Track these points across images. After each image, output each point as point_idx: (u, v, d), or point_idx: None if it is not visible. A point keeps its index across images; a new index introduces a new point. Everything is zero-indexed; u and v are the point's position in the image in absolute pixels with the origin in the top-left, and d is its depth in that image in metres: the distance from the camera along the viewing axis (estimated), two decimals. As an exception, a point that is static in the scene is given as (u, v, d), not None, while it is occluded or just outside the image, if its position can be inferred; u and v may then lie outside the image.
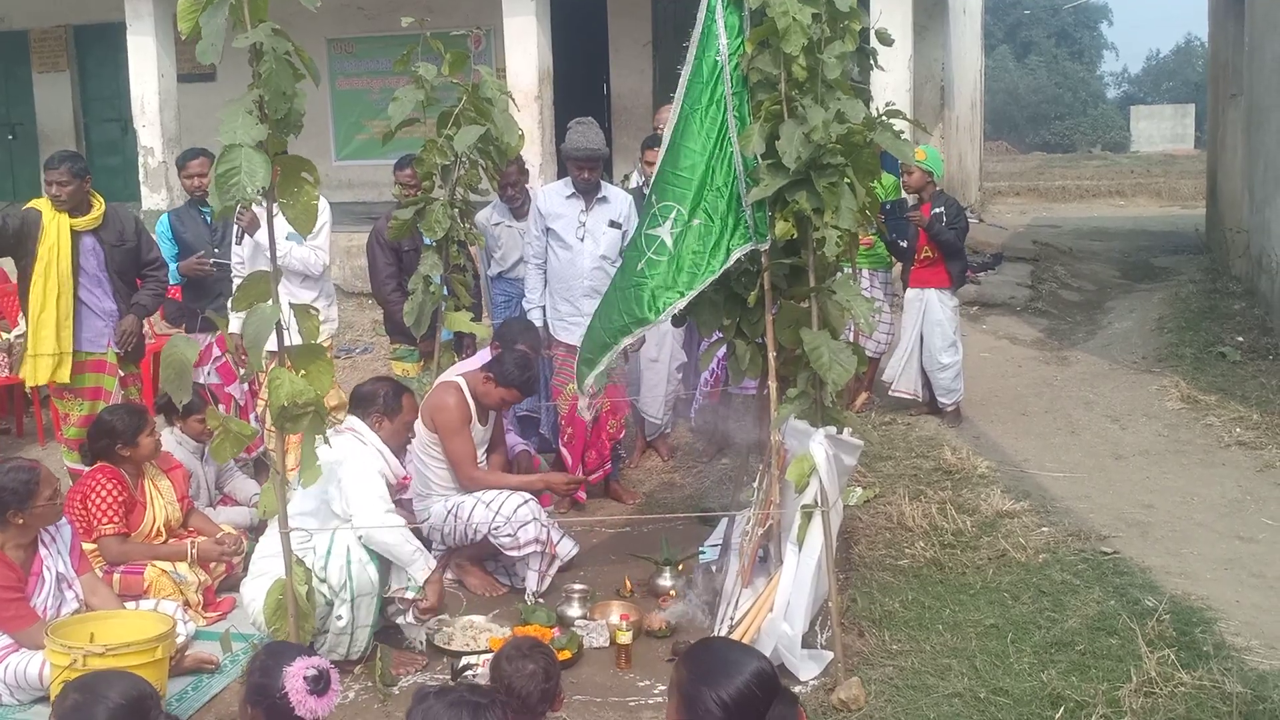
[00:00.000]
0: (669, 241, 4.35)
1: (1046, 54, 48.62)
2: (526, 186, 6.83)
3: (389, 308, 6.58)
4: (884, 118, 4.41)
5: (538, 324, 6.21)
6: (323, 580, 4.34)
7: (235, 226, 6.08)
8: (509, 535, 5.10)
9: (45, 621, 4.19)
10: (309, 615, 4.10)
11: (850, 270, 4.69)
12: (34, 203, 5.83)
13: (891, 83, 9.65)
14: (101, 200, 5.90)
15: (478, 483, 5.26)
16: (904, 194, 7.54)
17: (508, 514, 5.13)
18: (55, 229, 5.70)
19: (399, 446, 4.89)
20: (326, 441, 4.16)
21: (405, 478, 5.06)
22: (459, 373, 5.70)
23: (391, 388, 4.90)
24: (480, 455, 5.41)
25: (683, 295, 4.35)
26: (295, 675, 2.87)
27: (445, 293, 5.98)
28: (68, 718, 2.74)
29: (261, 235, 5.59)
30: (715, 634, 4.58)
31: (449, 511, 5.22)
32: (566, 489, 5.76)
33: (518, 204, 6.71)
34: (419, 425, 5.19)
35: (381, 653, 4.37)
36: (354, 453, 4.61)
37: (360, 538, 4.42)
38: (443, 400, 5.30)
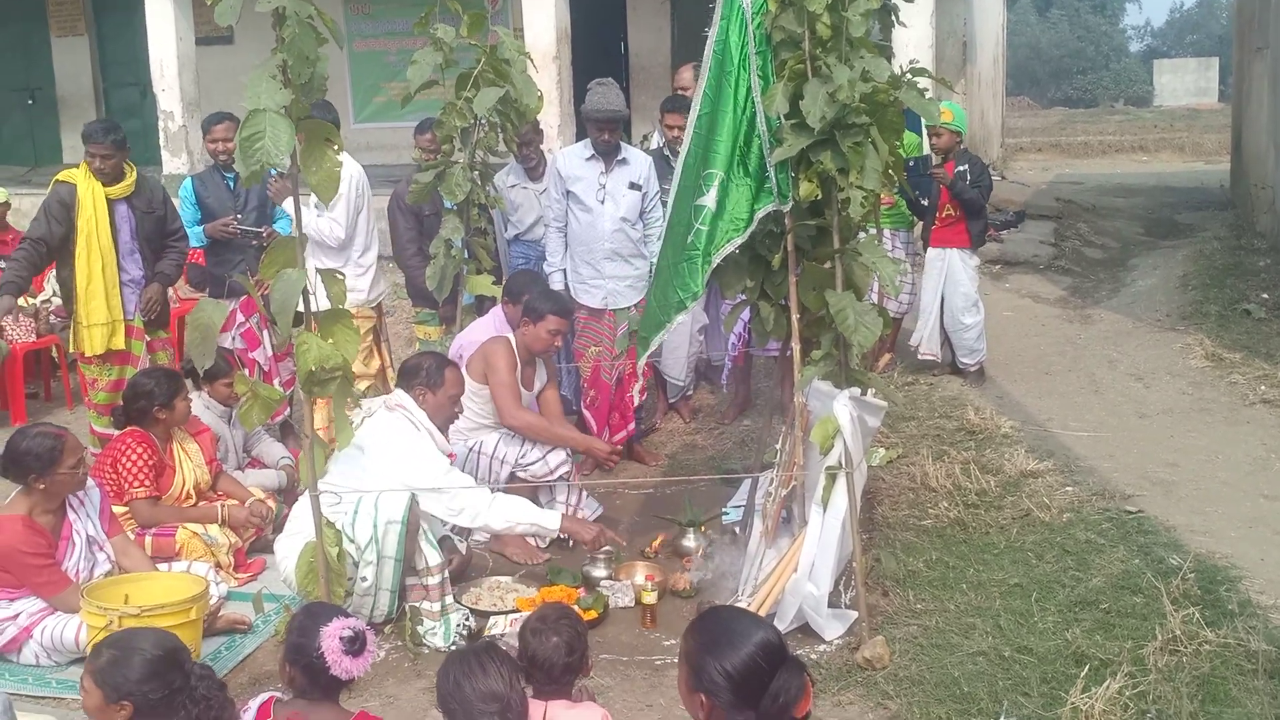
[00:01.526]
0: (715, 209, 4.34)
1: (1068, 7, 47.84)
2: (541, 147, 6.81)
3: (410, 272, 6.58)
4: (908, 76, 4.38)
5: (558, 286, 6.21)
6: (351, 540, 4.39)
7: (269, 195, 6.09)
8: (538, 460, 5.15)
9: (78, 585, 4.26)
10: (341, 574, 4.15)
11: (875, 231, 4.67)
12: (64, 175, 5.85)
13: (914, 39, 9.54)
14: (133, 167, 5.93)
15: (522, 423, 5.28)
16: (930, 153, 7.47)
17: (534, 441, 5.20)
18: (91, 199, 5.72)
19: (445, 421, 4.91)
20: (357, 404, 4.19)
21: (451, 455, 5.08)
22: (472, 335, 5.71)
23: (436, 361, 4.94)
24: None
25: (711, 260, 4.36)
26: (331, 635, 2.92)
27: (466, 256, 5.98)
28: (105, 673, 2.80)
29: (289, 203, 5.60)
30: (740, 593, 4.63)
31: (471, 449, 5.24)
32: (606, 457, 5.54)
33: (533, 165, 6.69)
34: (466, 379, 5.21)
35: (411, 613, 4.43)
36: (407, 433, 4.66)
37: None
38: (493, 345, 5.39)
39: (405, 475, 4.52)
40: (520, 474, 5.22)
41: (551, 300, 5.47)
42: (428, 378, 4.84)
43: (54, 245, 5.81)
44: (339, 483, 4.51)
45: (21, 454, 4.23)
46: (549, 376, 5.68)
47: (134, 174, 5.87)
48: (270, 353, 6.40)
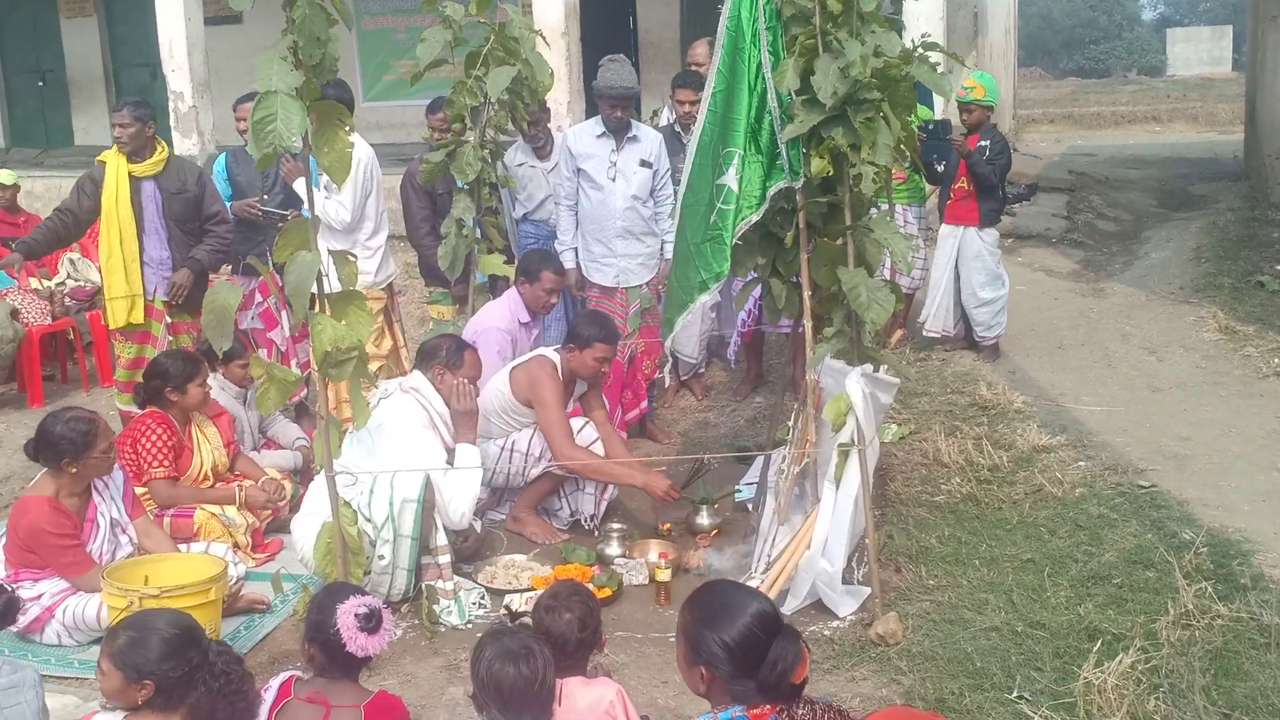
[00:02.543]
0: (736, 189, 4.34)
1: (1080, -24, 47.43)
2: (548, 125, 6.79)
3: (423, 251, 6.57)
4: (920, 50, 4.35)
5: (570, 266, 6.21)
6: (368, 520, 4.43)
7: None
8: None
9: (101, 566, 4.30)
10: (359, 553, 4.18)
11: (887, 207, 4.66)
12: (103, 155, 5.98)
13: (924, 11, 9.50)
14: (165, 148, 5.99)
15: (578, 464, 5.01)
16: (947, 118, 7.40)
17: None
18: (115, 175, 5.84)
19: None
20: (373, 385, 4.21)
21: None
22: (486, 320, 5.68)
23: (455, 343, 4.96)
24: None
25: (731, 241, 4.37)
26: (347, 613, 2.96)
27: (479, 236, 5.98)
28: (124, 654, 2.85)
29: (301, 184, 5.61)
30: (753, 570, 4.65)
31: (504, 449, 5.24)
32: (664, 495, 5.04)
33: (540, 143, 6.66)
34: (506, 391, 5.18)
35: (427, 592, 4.47)
36: (416, 421, 4.68)
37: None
38: (538, 374, 5.21)
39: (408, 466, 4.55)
40: (554, 469, 5.22)
41: (599, 326, 5.30)
42: (447, 358, 4.86)
43: (81, 218, 5.96)
44: (352, 463, 4.54)
45: (56, 438, 4.26)
46: (590, 385, 5.55)
47: (164, 152, 5.95)
48: (288, 333, 6.42)
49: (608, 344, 5.29)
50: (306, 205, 4.08)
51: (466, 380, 4.89)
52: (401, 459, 4.54)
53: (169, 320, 6.01)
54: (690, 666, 2.53)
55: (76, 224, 6.00)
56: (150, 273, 5.95)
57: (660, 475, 5.13)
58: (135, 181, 5.87)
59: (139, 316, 5.93)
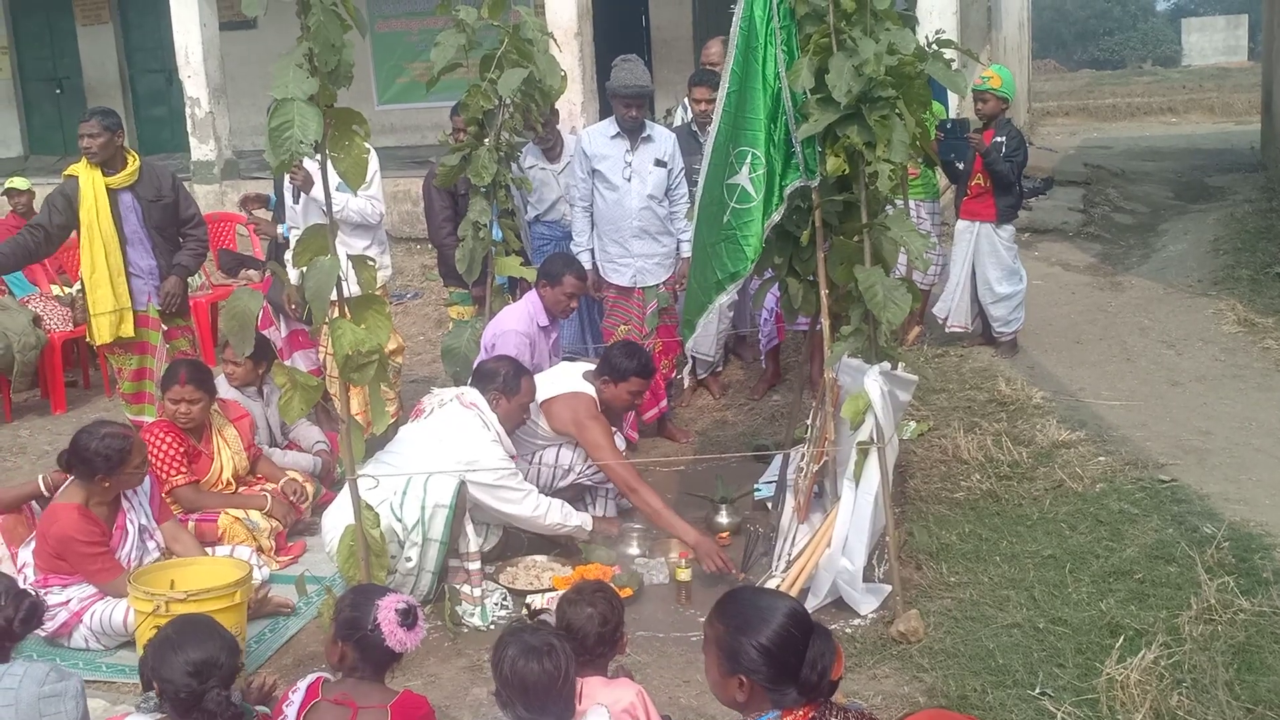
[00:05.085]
0: (750, 188, 4.35)
1: (1094, -33, 47.18)
2: (557, 127, 6.80)
3: (445, 252, 6.59)
4: (935, 47, 4.35)
5: (587, 267, 6.22)
6: (398, 519, 4.45)
7: (291, 185, 6.13)
8: (596, 469, 5.19)
9: (129, 572, 4.33)
10: (383, 553, 4.20)
11: (902, 204, 4.66)
12: (70, 169, 5.95)
13: (938, 6, 9.48)
14: (136, 157, 6.00)
15: (647, 505, 4.93)
16: (966, 116, 7.38)
17: None
18: (91, 189, 5.81)
19: (513, 427, 4.97)
20: (391, 387, 4.24)
21: (514, 458, 5.11)
22: (504, 323, 5.68)
23: (513, 367, 4.98)
24: None
25: (761, 241, 4.39)
26: (387, 609, 3.01)
27: (498, 238, 5.99)
28: (151, 648, 2.96)
29: (316, 191, 5.64)
30: (774, 569, 4.66)
31: (531, 463, 5.24)
32: (712, 562, 4.68)
33: (549, 145, 6.68)
34: (542, 423, 5.20)
35: (450, 593, 4.49)
36: (482, 435, 4.75)
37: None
38: (584, 418, 5.15)
39: (479, 475, 4.64)
40: (581, 481, 5.25)
41: (635, 360, 5.25)
42: (504, 384, 4.89)
43: (52, 234, 5.93)
44: (401, 465, 4.59)
45: (91, 455, 4.27)
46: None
47: (136, 163, 5.94)
48: (283, 333, 6.41)
49: (643, 379, 5.25)
50: (323, 211, 4.10)
51: None
52: (470, 475, 4.61)
53: (164, 328, 6.04)
54: (727, 678, 2.48)
55: (48, 240, 5.96)
56: (140, 284, 5.97)
57: (714, 544, 4.77)
58: (113, 194, 5.84)
59: (129, 330, 5.92)
